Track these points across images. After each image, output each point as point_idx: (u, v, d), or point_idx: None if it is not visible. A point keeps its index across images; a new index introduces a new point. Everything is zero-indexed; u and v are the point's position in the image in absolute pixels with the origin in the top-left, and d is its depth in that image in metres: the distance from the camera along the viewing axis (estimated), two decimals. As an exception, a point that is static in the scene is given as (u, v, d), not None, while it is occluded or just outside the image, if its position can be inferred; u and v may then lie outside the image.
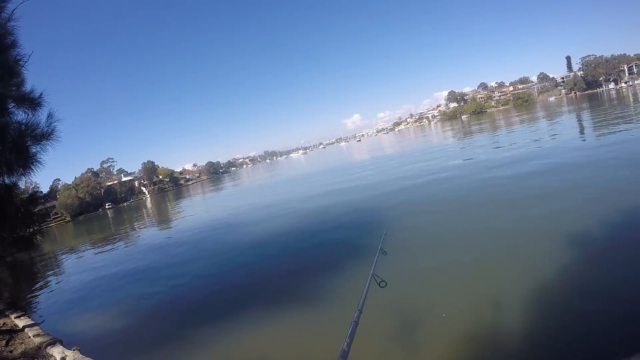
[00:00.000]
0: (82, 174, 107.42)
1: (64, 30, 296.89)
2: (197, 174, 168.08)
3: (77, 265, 18.69)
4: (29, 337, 6.94)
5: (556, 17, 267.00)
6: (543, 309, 5.22)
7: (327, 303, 6.95)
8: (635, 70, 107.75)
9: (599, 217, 8.06)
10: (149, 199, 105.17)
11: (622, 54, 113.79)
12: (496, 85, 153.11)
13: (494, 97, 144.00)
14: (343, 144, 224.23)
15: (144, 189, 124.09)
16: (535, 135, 26.80)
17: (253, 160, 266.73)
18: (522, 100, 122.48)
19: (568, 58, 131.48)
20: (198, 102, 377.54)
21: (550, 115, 45.25)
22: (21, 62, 6.68)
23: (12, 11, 6.24)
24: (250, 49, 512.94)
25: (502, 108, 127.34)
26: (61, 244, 33.10)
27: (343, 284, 7.40)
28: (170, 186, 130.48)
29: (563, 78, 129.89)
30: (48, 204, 74.35)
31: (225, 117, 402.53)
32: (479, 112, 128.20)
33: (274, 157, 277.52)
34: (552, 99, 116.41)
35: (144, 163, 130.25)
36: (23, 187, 8.72)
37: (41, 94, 6.84)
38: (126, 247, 21.54)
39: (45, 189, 67.51)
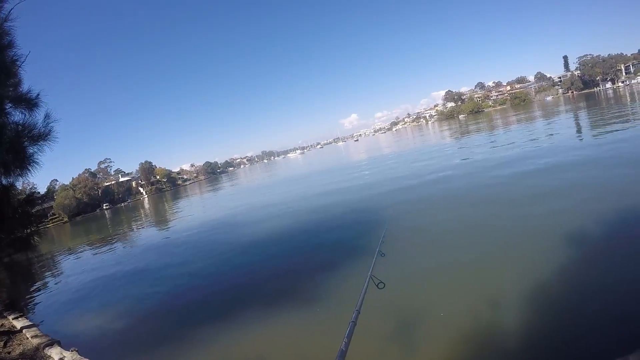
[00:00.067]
0: (79, 175, 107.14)
1: (60, 30, 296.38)
2: (195, 174, 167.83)
3: (75, 266, 18.64)
4: (27, 338, 6.92)
5: (553, 17, 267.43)
6: (541, 308, 5.24)
7: (325, 303, 6.95)
8: (632, 69, 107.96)
9: (596, 216, 8.09)
10: (146, 199, 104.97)
11: (619, 53, 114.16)
12: (493, 84, 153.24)
13: (492, 96, 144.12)
14: (341, 143, 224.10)
15: (141, 189, 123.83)
16: (532, 135, 26.83)
17: (251, 160, 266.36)
18: (519, 100, 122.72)
19: (565, 57, 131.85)
20: (196, 102, 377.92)
21: (548, 115, 45.33)
22: (18, 63, 6.65)
23: (9, 11, 6.21)
24: (248, 49, 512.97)
25: (499, 108, 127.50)
26: (59, 245, 33.02)
27: (341, 285, 7.40)
28: (167, 186, 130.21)
29: (560, 77, 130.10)
30: (45, 205, 73.97)
31: (223, 117, 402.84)
32: (476, 111, 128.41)
33: (272, 157, 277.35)
34: (549, 98, 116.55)
35: (142, 163, 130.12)
36: (20, 188, 8.67)
37: (38, 95, 6.81)
38: (124, 247, 21.51)
39: (42, 189, 67.08)
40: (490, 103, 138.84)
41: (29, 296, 13.26)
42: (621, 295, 5.05)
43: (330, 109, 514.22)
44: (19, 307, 9.90)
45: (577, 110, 43.18)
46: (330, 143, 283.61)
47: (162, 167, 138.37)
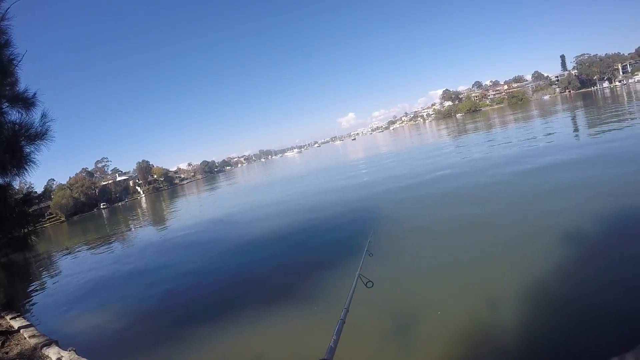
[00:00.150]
0: (76, 174, 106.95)
1: (57, 29, 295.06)
2: (192, 173, 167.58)
3: (73, 266, 18.61)
4: (25, 338, 6.91)
5: (551, 16, 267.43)
6: (536, 305, 5.26)
7: (319, 302, 7.01)
8: (629, 69, 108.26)
9: (593, 214, 8.12)
10: (143, 198, 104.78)
11: (617, 53, 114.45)
12: (491, 83, 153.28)
13: (489, 95, 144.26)
14: (338, 142, 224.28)
15: (138, 188, 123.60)
16: (530, 134, 26.92)
17: (248, 159, 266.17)
18: (516, 99, 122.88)
19: (562, 57, 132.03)
20: (193, 101, 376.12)
21: (545, 114, 45.45)
22: (15, 62, 6.63)
23: (6, 10, 6.19)
24: (245, 47, 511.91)
25: (496, 107, 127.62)
26: (56, 245, 32.95)
27: (334, 284, 7.44)
28: (165, 185, 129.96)
29: (557, 77, 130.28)
30: (42, 204, 73.87)
31: (220, 116, 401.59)
32: (473, 110, 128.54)
33: (269, 156, 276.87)
34: (546, 97, 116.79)
35: (139, 162, 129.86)
36: (17, 188, 8.67)
37: (35, 94, 6.79)
38: (121, 247, 21.47)
39: (39, 189, 67.04)
40: (488, 102, 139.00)
41: (26, 296, 13.24)
42: (618, 294, 5.07)
43: (327, 108, 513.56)
44: (17, 307, 9.86)
45: (575, 110, 43.31)
46: (328, 142, 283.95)
47: (160, 166, 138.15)
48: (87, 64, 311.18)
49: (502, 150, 20.95)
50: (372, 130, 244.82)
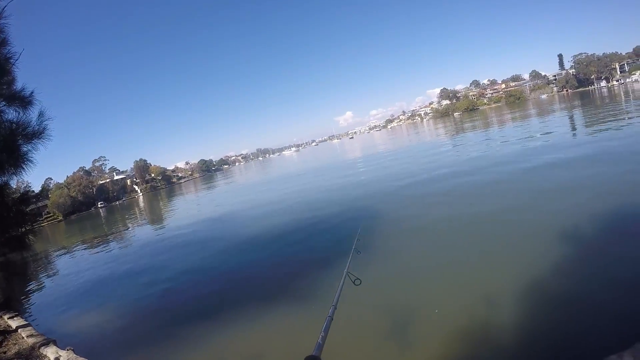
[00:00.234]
0: (73, 173, 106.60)
1: (54, 28, 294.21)
2: (190, 172, 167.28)
3: (70, 265, 18.59)
4: (23, 337, 6.89)
5: (548, 16, 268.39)
6: (532, 304, 5.28)
7: (310, 300, 7.08)
8: (627, 68, 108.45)
9: (590, 212, 8.14)
10: (141, 197, 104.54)
11: (614, 52, 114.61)
12: (488, 82, 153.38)
13: (486, 94, 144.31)
14: (336, 141, 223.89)
15: (136, 187, 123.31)
16: (528, 133, 26.99)
17: (246, 157, 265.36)
18: (514, 98, 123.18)
19: (560, 56, 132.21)
20: (190, 99, 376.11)
21: (543, 113, 45.53)
22: (12, 60, 6.60)
23: (3, 8, 6.16)
24: (242, 46, 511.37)
25: (494, 105, 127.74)
26: (54, 244, 32.87)
27: (327, 282, 7.47)
28: (162, 184, 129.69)
29: (555, 76, 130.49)
30: (40, 204, 73.75)
31: (218, 114, 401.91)
32: (471, 109, 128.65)
33: (267, 155, 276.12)
34: (544, 96, 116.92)
35: (136, 161, 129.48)
36: (14, 187, 8.63)
37: (32, 93, 6.77)
38: (119, 246, 21.44)
39: (37, 188, 66.92)
40: (485, 101, 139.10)
41: (24, 295, 13.20)
42: (616, 293, 5.08)
43: (325, 106, 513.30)
44: (15, 306, 9.83)
45: (572, 109, 43.37)
46: (325, 140, 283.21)
47: (157, 165, 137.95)
48: (84, 62, 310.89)
49: (499, 149, 21.00)
50: (370, 129, 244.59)
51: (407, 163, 25.09)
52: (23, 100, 6.67)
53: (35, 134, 6.54)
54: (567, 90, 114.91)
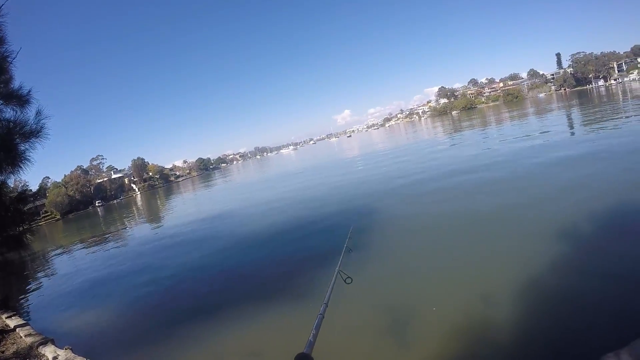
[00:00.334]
0: (71, 172, 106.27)
1: (52, 27, 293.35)
2: (188, 171, 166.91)
3: (68, 265, 18.58)
4: (21, 337, 6.88)
5: (547, 14, 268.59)
6: (529, 303, 5.30)
7: (303, 298, 7.13)
8: (624, 67, 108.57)
9: (588, 211, 8.17)
10: (139, 196, 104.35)
11: (612, 51, 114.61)
12: (486, 81, 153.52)
13: (484, 93, 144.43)
14: (333, 139, 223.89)
15: (134, 186, 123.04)
16: (525, 132, 27.06)
17: (243, 156, 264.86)
18: (512, 97, 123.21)
19: (558, 55, 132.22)
20: (188, 98, 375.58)
21: (541, 112, 45.61)
22: (9, 59, 6.58)
23: (0, 7, 6.13)
24: (240, 45, 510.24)
25: (492, 104, 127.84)
26: (51, 243, 32.78)
27: (320, 280, 7.49)
28: (160, 183, 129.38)
29: (553, 75, 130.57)
30: (37, 203, 73.33)
31: (215, 113, 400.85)
32: (469, 108, 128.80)
33: (265, 153, 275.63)
34: (542, 95, 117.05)
35: (134, 160, 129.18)
36: (12, 186, 8.60)
37: (29, 91, 6.74)
38: (117, 245, 21.38)
39: (34, 187, 66.55)
40: (483, 99, 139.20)
41: (22, 295, 13.19)
42: (614, 291, 5.11)
43: (323, 105, 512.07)
44: (13, 306, 9.82)
45: (570, 108, 43.42)
46: (323, 139, 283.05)
47: (155, 164, 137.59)
48: (81, 61, 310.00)
49: (497, 148, 21.03)
50: (368, 128, 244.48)
51: (404, 162, 25.11)
52: (20, 99, 6.64)
53: (33, 133, 6.51)
54: (564, 89, 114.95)
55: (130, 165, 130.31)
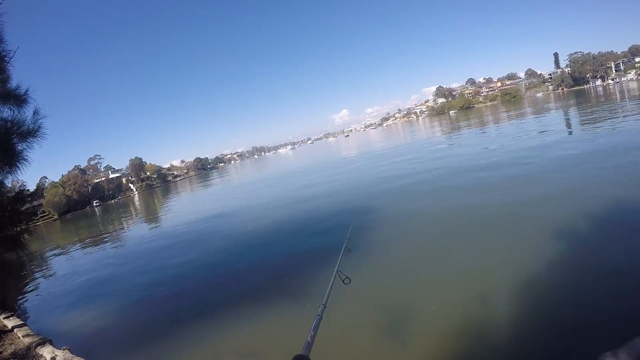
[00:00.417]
0: (69, 172, 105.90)
1: (50, 26, 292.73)
2: (185, 170, 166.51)
3: (66, 265, 18.52)
4: (19, 337, 6.86)
5: (544, 14, 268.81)
6: (527, 302, 5.30)
7: (301, 299, 7.13)
8: (622, 67, 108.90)
9: (587, 210, 8.18)
10: (136, 195, 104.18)
11: (610, 51, 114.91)
12: (484, 81, 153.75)
13: (482, 92, 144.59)
14: (331, 139, 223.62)
15: (131, 185, 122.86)
16: (523, 131, 27.10)
17: (241, 155, 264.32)
18: (509, 96, 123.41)
19: (555, 55, 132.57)
20: (186, 97, 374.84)
21: (539, 111, 45.68)
22: (6, 58, 6.56)
23: (-3, 6, 6.11)
24: (238, 44, 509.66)
25: (489, 104, 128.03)
26: (49, 243, 32.70)
27: (318, 281, 7.51)
28: (158, 183, 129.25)
29: (550, 74, 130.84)
30: (35, 202, 73.10)
31: (213, 112, 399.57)
32: (467, 107, 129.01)
33: (262, 153, 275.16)
34: (539, 94, 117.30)
35: (132, 159, 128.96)
36: (9, 186, 8.59)
37: (27, 91, 6.73)
38: (115, 246, 21.36)
39: (31, 187, 66.40)
40: (481, 99, 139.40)
41: (20, 295, 13.15)
42: (611, 290, 5.12)
43: (321, 104, 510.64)
44: (10, 306, 9.80)
45: (568, 107, 43.50)
46: (321, 138, 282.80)
47: (152, 164, 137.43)
48: (79, 60, 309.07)
49: (495, 147, 21.01)
50: (366, 127, 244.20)
51: (401, 162, 25.09)
52: (18, 99, 6.63)
53: (30, 133, 6.51)
54: (562, 89, 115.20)
55: (127, 165, 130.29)
